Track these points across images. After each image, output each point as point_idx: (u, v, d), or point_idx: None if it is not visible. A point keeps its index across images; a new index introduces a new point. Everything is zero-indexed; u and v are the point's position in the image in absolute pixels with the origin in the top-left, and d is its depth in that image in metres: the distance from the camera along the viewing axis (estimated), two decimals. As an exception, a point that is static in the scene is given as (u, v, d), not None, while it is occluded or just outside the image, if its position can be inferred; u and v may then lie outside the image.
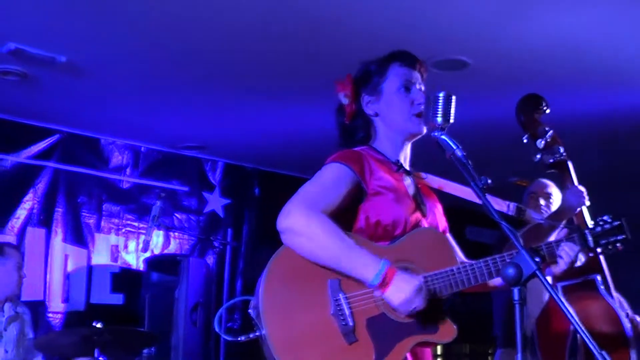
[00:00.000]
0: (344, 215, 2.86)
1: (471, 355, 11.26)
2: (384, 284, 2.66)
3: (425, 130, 3.04)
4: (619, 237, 3.05)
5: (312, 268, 2.73)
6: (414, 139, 3.14)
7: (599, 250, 3.07)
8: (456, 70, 6.13)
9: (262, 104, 7.16)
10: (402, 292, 2.66)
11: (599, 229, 3.06)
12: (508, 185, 8.34)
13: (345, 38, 5.55)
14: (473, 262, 2.88)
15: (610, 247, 3.06)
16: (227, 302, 7.85)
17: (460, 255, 3.18)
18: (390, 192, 2.92)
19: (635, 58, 5.99)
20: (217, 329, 2.99)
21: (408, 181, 3.08)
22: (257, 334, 2.71)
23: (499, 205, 3.19)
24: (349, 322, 2.68)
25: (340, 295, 2.71)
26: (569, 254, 2.98)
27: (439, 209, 3.18)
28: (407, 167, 3.14)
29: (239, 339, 2.80)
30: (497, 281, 3.03)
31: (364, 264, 2.70)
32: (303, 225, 2.73)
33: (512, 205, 3.26)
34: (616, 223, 3.06)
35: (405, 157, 3.15)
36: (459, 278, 2.81)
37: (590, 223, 3.57)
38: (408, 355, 2.79)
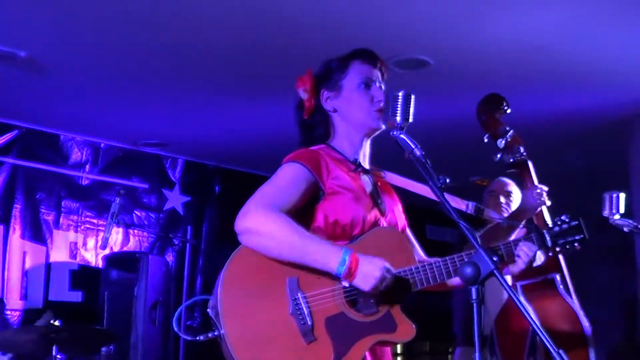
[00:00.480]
0: (302, 215, 2.86)
1: (431, 353, 11.29)
2: (349, 273, 2.67)
3: (383, 126, 3.04)
4: (577, 237, 3.07)
5: (270, 267, 2.73)
6: (373, 135, 3.14)
7: (558, 249, 3.09)
8: (417, 69, 6.15)
9: (223, 102, 7.15)
10: (370, 276, 2.66)
11: (557, 228, 3.07)
12: (469, 185, 8.35)
13: (307, 36, 5.55)
14: (432, 261, 2.88)
15: (568, 246, 3.07)
16: (186, 301, 7.83)
17: (420, 253, 3.19)
18: (348, 192, 2.92)
19: (597, 59, 6.04)
20: (175, 329, 2.97)
21: (366, 180, 3.08)
22: (215, 333, 2.70)
23: (458, 204, 3.20)
24: (307, 322, 2.68)
25: (298, 294, 2.71)
26: (527, 254, 3.00)
27: (398, 207, 3.18)
28: (366, 165, 3.14)
29: (197, 338, 2.79)
30: (456, 281, 3.04)
31: (326, 255, 2.70)
32: (262, 224, 2.73)
33: (471, 204, 3.27)
34: (574, 223, 3.08)
35: (364, 154, 3.14)
36: (418, 277, 2.82)
37: (549, 223, 3.59)
38: (367, 354, 2.80)
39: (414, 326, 2.80)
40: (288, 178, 2.88)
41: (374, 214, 2.96)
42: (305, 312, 2.70)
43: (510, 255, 3.00)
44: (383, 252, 2.82)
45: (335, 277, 2.72)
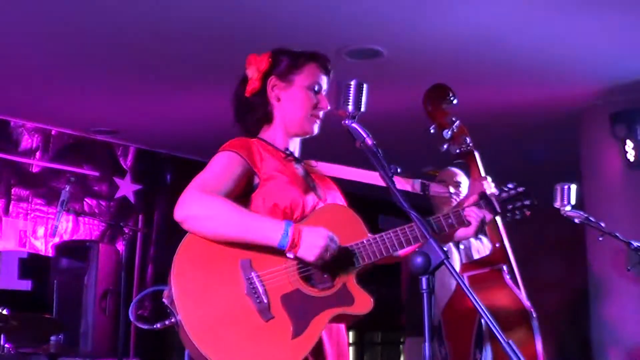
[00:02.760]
0: (240, 203, 2.85)
1: (383, 343, 11.37)
2: (293, 244, 2.68)
3: (316, 132, 3.09)
4: (525, 202, 3.09)
5: (221, 250, 2.74)
6: (304, 137, 3.17)
7: (508, 215, 3.10)
8: (370, 59, 6.15)
9: (174, 91, 7.12)
10: (314, 246, 2.68)
11: (504, 195, 3.10)
12: (421, 175, 8.37)
13: (258, 25, 5.53)
14: (383, 233, 2.88)
15: (517, 212, 3.09)
16: (138, 289, 7.79)
17: None
18: (283, 176, 2.95)
19: (549, 51, 6.09)
20: (131, 318, 2.95)
21: (298, 168, 3.10)
22: (172, 320, 2.69)
23: (403, 185, 3.20)
24: (263, 300, 2.69)
25: (252, 273, 2.71)
26: (477, 215, 3.03)
27: (337, 194, 3.20)
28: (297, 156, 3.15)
29: (154, 326, 2.77)
30: (404, 251, 3.04)
31: (268, 229, 2.71)
32: (200, 208, 2.74)
33: (417, 182, 3.28)
34: (521, 189, 3.10)
35: (294, 148, 3.16)
36: (371, 250, 2.84)
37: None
38: (324, 334, 2.81)
39: (371, 298, 2.81)
40: (222, 164, 2.90)
41: (312, 197, 2.99)
42: (260, 291, 2.70)
43: (460, 222, 3.03)
44: (334, 228, 2.81)
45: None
